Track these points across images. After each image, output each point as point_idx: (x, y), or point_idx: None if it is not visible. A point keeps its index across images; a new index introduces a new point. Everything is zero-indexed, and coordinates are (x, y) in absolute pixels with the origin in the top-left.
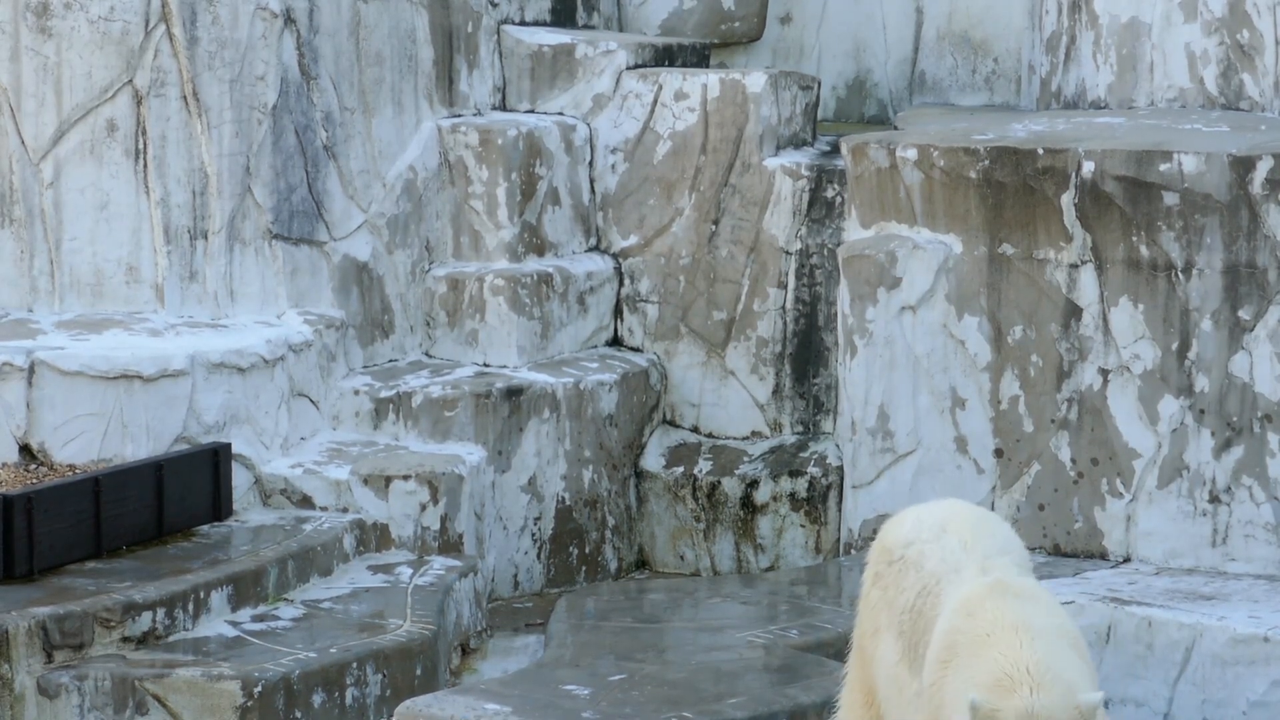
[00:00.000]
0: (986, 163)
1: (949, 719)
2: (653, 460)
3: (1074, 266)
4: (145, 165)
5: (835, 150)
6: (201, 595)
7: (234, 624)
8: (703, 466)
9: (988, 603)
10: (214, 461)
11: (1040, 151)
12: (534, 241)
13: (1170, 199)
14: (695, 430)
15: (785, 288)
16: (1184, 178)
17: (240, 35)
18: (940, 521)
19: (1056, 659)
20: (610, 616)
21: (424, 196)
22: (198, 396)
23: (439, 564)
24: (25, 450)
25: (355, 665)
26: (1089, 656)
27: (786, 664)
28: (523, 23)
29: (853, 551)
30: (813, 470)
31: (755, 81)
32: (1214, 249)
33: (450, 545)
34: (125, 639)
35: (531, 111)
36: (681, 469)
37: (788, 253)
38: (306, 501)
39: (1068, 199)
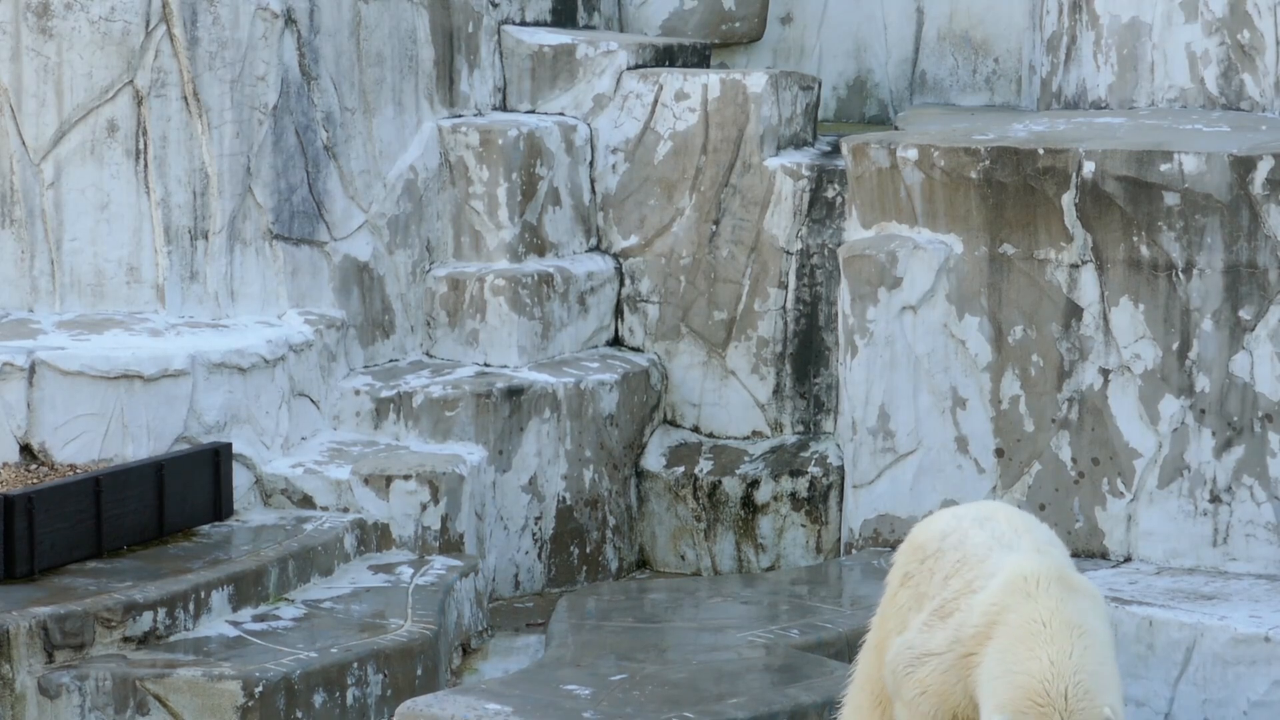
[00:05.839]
0: (987, 163)
1: (981, 699)
2: (653, 460)
3: (1074, 266)
4: (146, 165)
5: (836, 150)
6: (202, 595)
7: (235, 624)
8: (703, 466)
9: (1052, 589)
10: (214, 461)
11: (1041, 151)
12: (534, 241)
13: (1171, 199)
14: (696, 430)
15: (786, 288)
16: (1184, 178)
17: (241, 35)
18: (983, 513)
19: (1099, 680)
20: (611, 616)
21: (424, 197)
22: (198, 396)
23: (440, 564)
24: (26, 450)
25: (356, 665)
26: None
27: (787, 664)
28: (523, 23)
29: (854, 551)
30: (813, 470)
31: (756, 82)
32: (1214, 249)
33: (451, 545)
34: (126, 639)
35: (532, 112)
36: (682, 469)
37: (788, 253)
38: (307, 501)
39: (1068, 199)
